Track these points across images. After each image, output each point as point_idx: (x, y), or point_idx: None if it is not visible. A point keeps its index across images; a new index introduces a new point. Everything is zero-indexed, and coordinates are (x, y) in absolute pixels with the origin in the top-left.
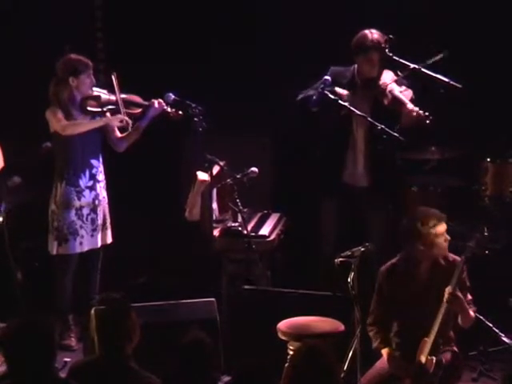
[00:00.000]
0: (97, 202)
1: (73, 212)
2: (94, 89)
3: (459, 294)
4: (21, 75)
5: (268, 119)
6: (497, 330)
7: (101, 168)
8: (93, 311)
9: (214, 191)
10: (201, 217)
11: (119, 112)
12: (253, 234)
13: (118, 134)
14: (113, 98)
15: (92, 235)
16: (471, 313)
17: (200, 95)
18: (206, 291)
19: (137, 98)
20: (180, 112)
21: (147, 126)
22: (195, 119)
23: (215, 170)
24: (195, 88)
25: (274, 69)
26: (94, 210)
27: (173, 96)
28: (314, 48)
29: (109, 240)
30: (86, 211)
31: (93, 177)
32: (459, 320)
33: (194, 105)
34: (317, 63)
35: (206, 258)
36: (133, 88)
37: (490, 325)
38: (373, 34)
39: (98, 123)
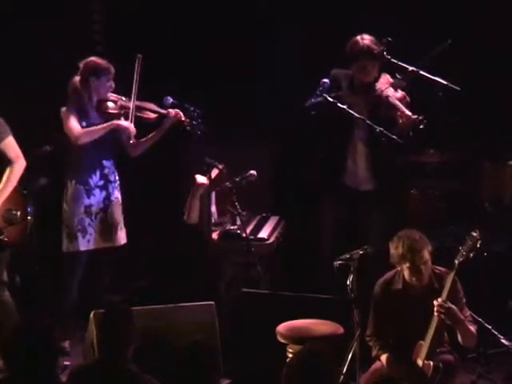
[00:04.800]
0: (107, 202)
1: (81, 209)
2: (112, 94)
3: (451, 305)
4: (20, 77)
5: (267, 122)
6: (496, 333)
7: (114, 169)
8: (92, 315)
9: (213, 194)
10: (200, 220)
11: (128, 117)
12: (252, 236)
13: (133, 140)
14: (129, 104)
15: (101, 235)
16: (471, 328)
17: (199, 98)
18: (205, 294)
19: (152, 106)
20: (194, 122)
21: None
22: (194, 122)
23: (214, 173)
24: (194, 91)
25: (273, 71)
26: (104, 209)
27: (171, 99)
28: (315, 50)
29: (122, 241)
30: (95, 210)
31: (104, 177)
32: (459, 339)
33: (192, 108)
34: (318, 65)
35: (205, 260)
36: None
37: (489, 327)
38: (364, 40)
39: (108, 127)
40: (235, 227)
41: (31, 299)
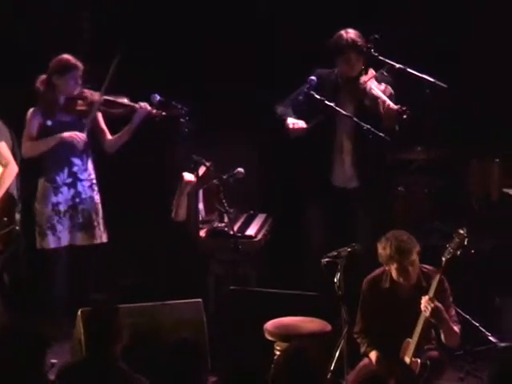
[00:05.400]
0: (78, 199)
1: (49, 207)
2: (86, 90)
3: (437, 304)
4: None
5: (254, 120)
6: (483, 330)
7: (86, 167)
8: (79, 313)
9: (201, 192)
10: (187, 217)
11: (91, 112)
12: (239, 234)
13: (109, 136)
14: (96, 98)
15: (71, 232)
16: (455, 329)
17: (186, 96)
18: (193, 292)
19: (123, 100)
20: (164, 113)
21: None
22: (181, 120)
23: (201, 170)
24: (181, 89)
25: (261, 69)
26: (73, 207)
27: (158, 97)
28: (301, 48)
29: (100, 239)
30: (63, 208)
31: (73, 174)
32: (443, 338)
33: (179, 105)
34: (305, 63)
35: (193, 258)
36: (118, 89)
37: (477, 324)
38: (348, 33)
39: (51, 141)
40: (223, 225)
41: (19, 298)
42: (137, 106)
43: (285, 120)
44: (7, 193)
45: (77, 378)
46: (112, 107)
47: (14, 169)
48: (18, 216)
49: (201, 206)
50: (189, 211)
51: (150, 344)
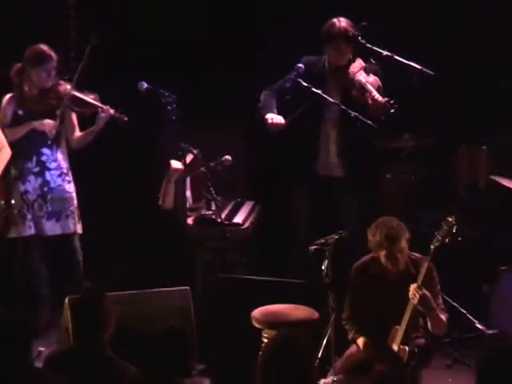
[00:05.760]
0: (46, 188)
1: (18, 196)
2: (61, 82)
3: (426, 292)
4: None
5: (242, 107)
6: (471, 317)
7: (55, 157)
8: (66, 300)
9: (188, 179)
10: (174, 205)
11: (62, 104)
12: (227, 222)
13: (77, 133)
14: (67, 91)
15: (40, 221)
16: (442, 317)
17: (174, 83)
18: (181, 279)
19: (91, 99)
20: (126, 118)
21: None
22: (169, 108)
23: (189, 158)
24: (168, 76)
25: (247, 57)
26: (42, 196)
27: (146, 84)
28: (287, 35)
29: (71, 229)
30: (31, 196)
31: (41, 163)
32: (429, 326)
33: (167, 93)
34: (291, 51)
35: (180, 246)
36: (107, 76)
37: (464, 311)
38: (340, 22)
39: (23, 128)
40: (210, 212)
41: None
42: (100, 108)
43: (263, 115)
44: (3, 177)
45: (65, 366)
46: (78, 105)
47: (8, 153)
48: (13, 201)
49: (188, 193)
50: (176, 199)
51: (137, 332)
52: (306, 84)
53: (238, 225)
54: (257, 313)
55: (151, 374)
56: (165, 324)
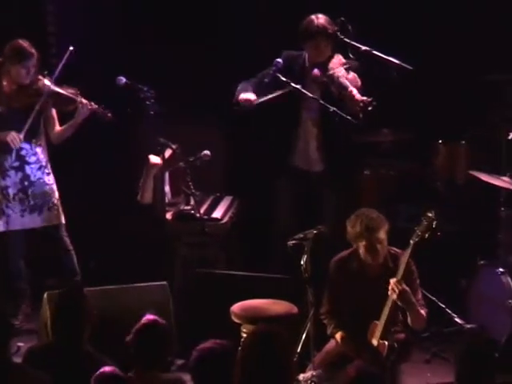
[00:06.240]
0: (26, 183)
1: None
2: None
3: (405, 287)
4: None
5: (220, 102)
6: (449, 311)
7: (35, 151)
8: (45, 295)
9: (167, 174)
10: (153, 200)
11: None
12: (205, 216)
13: (57, 128)
14: (46, 87)
15: (22, 215)
16: (422, 312)
17: (152, 79)
18: (160, 274)
19: (70, 94)
20: (109, 115)
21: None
22: (147, 103)
23: (168, 153)
24: (147, 71)
25: (225, 53)
26: (23, 190)
27: (124, 79)
28: (262, 33)
29: (56, 220)
30: (12, 191)
31: (20, 158)
32: (409, 321)
33: (145, 88)
34: (266, 47)
35: (159, 241)
36: (85, 72)
37: (443, 306)
38: (319, 19)
39: None
40: (189, 207)
41: None
42: (80, 102)
43: (237, 95)
44: None
45: (44, 362)
46: (58, 100)
47: None
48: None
49: (167, 188)
50: (155, 194)
51: (115, 327)
52: (284, 79)
53: (216, 220)
54: (236, 308)
55: (130, 368)
56: (144, 319)
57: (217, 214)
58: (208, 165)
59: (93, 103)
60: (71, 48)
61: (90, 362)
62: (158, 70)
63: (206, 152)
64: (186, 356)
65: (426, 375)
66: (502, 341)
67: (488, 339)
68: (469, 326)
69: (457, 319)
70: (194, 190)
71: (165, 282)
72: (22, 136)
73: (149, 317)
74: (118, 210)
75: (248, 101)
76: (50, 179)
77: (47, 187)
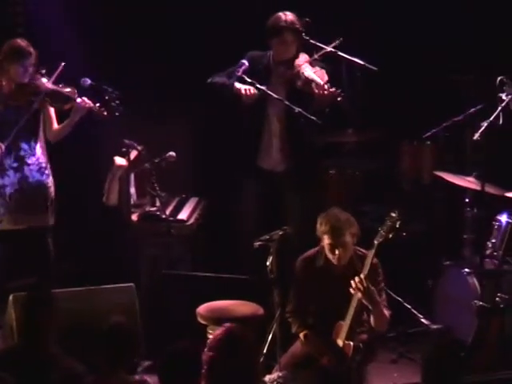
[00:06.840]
0: (25, 184)
1: None
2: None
3: (370, 285)
4: None
5: (187, 103)
6: (416, 312)
7: (34, 152)
8: (11, 298)
9: (132, 176)
10: (119, 202)
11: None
12: (171, 218)
13: (55, 126)
14: (43, 87)
15: (16, 216)
16: (385, 312)
17: (118, 80)
18: (126, 276)
19: (67, 93)
20: (105, 113)
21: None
22: (112, 104)
23: (133, 154)
24: (112, 72)
25: (193, 52)
26: (20, 191)
27: (89, 81)
28: (234, 31)
29: (46, 222)
30: (9, 190)
31: (20, 159)
32: (372, 321)
33: (110, 89)
34: (237, 47)
35: (125, 242)
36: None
37: (409, 306)
38: (287, 15)
39: None
40: (154, 209)
41: None
42: (76, 101)
43: (232, 85)
44: None
45: (9, 364)
46: (55, 99)
47: None
48: None
49: (132, 190)
50: (120, 195)
51: (82, 329)
52: (250, 80)
53: (182, 221)
54: (202, 309)
55: (96, 370)
56: (109, 320)
57: (182, 215)
58: (173, 166)
59: (89, 101)
60: (63, 64)
61: (56, 364)
62: (121, 70)
63: (171, 153)
64: (152, 357)
65: (393, 375)
66: (467, 341)
67: (454, 339)
68: (435, 326)
69: (423, 320)
70: (159, 192)
71: (131, 284)
72: (3, 146)
73: (115, 318)
74: (84, 211)
75: (254, 95)
76: (49, 182)
77: (45, 189)
